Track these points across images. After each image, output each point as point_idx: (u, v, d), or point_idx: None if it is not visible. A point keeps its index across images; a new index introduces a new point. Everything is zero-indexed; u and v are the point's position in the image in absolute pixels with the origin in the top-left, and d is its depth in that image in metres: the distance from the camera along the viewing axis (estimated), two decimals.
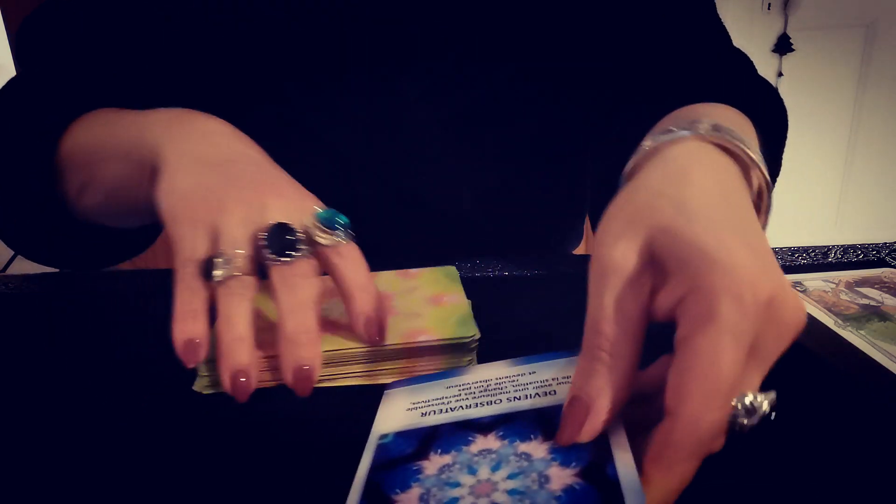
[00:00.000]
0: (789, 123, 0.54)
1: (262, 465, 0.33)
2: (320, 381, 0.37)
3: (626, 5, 0.58)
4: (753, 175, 0.33)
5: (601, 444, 0.27)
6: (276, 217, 0.37)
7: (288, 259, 0.36)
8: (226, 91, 0.59)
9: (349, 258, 0.39)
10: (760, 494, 0.30)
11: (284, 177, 0.42)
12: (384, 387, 0.36)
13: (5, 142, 0.52)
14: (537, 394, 0.32)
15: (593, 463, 0.26)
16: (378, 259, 0.57)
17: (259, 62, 0.58)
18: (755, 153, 0.33)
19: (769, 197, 0.34)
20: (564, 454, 0.27)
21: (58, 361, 0.44)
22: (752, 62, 0.56)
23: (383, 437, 0.31)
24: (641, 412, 0.28)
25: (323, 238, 0.38)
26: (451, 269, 0.49)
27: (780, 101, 0.53)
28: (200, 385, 0.39)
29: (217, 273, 0.36)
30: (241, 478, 0.32)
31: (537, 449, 0.28)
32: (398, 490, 0.27)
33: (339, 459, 0.31)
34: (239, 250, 0.36)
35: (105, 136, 0.48)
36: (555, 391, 0.31)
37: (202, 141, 0.42)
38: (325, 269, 0.39)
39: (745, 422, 0.26)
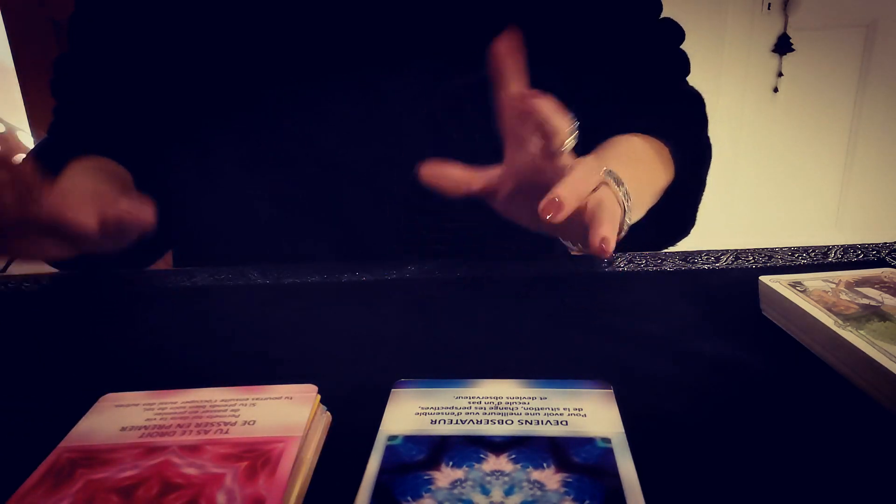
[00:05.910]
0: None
1: None
2: None
3: (604, 26, 0.62)
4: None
5: (615, 487, 0.28)
6: None
7: None
8: (213, 94, 0.59)
9: None
10: (761, 494, 0.30)
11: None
12: (391, 384, 0.36)
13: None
14: (549, 421, 0.32)
15: None
16: (366, 261, 0.57)
17: (246, 66, 0.58)
18: (617, 187, 0.48)
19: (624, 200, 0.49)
20: (578, 490, 0.28)
21: (58, 361, 0.44)
22: (699, 103, 0.67)
23: (392, 438, 0.32)
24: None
25: None
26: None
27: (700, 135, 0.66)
28: None
29: None
30: None
31: (550, 479, 0.28)
32: (409, 497, 0.28)
33: (344, 454, 0.32)
34: None
35: None
36: (566, 422, 0.32)
37: None
38: None
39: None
